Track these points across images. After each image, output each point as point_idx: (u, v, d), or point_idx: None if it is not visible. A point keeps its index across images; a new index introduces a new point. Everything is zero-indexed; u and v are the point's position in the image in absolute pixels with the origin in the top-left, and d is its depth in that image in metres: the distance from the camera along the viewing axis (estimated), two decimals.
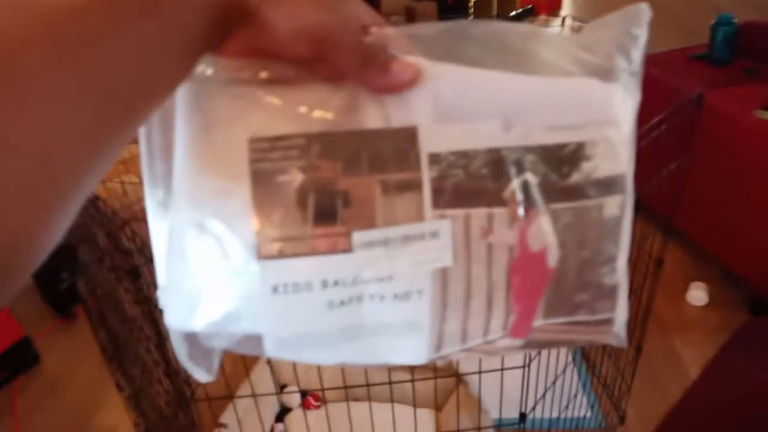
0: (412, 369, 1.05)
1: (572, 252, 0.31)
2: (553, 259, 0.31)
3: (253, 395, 0.91)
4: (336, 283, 0.29)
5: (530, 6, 4.24)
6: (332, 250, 0.28)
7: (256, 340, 0.31)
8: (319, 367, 0.95)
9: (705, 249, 1.87)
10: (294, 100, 0.29)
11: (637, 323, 1.23)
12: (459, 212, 0.29)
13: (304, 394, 1.44)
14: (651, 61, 1.19)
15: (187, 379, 1.01)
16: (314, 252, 0.28)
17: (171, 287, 0.31)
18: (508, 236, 0.30)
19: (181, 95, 0.29)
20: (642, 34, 0.30)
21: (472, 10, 3.81)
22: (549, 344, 0.34)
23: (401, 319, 0.31)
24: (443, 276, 0.30)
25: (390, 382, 0.85)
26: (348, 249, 0.28)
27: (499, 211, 0.30)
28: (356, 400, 1.28)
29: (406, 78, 0.28)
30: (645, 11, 0.30)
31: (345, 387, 0.96)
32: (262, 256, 0.28)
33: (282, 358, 0.31)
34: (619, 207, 0.32)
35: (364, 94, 0.29)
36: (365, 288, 0.30)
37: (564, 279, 0.32)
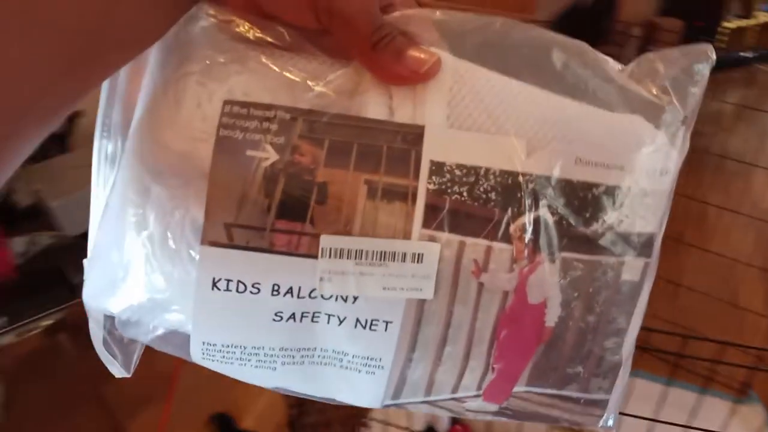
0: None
1: (576, 313, 0.26)
2: (552, 317, 0.26)
3: None
4: (290, 291, 0.24)
5: None
6: (293, 251, 0.23)
7: (184, 339, 0.26)
8: None
9: None
10: (287, 68, 0.24)
11: None
12: (453, 238, 0.24)
13: None
14: None
15: None
16: (271, 249, 0.23)
17: (96, 257, 0.26)
18: (505, 279, 0.25)
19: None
20: (703, 74, 0.26)
21: (725, 38, 2.75)
22: (527, 417, 0.29)
23: (360, 352, 0.26)
24: (419, 310, 0.25)
25: None
26: (312, 253, 0.23)
27: (500, 247, 0.25)
28: None
29: (422, 69, 0.24)
30: (710, 50, 0.26)
31: None
32: (207, 241, 0.23)
33: (209, 368, 0.26)
34: (641, 272, 0.27)
35: (369, 78, 0.25)
36: (323, 305, 0.24)
37: (560, 343, 0.27)
